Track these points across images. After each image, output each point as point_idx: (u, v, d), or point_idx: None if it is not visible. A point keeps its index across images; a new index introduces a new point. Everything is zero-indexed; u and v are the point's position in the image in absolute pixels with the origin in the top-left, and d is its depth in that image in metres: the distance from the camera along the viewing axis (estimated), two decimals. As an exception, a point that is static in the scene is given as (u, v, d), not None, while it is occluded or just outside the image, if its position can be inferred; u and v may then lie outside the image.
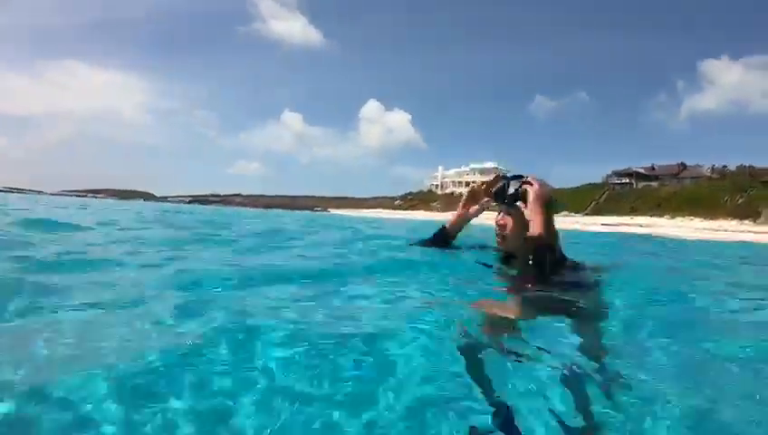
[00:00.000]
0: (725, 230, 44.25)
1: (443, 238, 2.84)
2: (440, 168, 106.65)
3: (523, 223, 2.42)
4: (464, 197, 2.81)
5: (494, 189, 2.54)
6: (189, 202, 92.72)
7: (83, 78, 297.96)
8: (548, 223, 2.31)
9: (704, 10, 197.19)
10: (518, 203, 2.51)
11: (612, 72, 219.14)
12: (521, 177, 2.47)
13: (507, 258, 2.56)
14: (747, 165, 68.22)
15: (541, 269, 2.19)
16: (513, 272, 2.44)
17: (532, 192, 2.35)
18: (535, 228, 2.26)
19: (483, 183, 2.70)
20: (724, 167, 70.68)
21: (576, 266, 2.47)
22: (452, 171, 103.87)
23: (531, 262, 2.18)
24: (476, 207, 2.78)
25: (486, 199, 2.70)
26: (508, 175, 2.55)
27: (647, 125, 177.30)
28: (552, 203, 2.38)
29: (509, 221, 2.49)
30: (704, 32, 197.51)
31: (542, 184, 2.41)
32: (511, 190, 2.43)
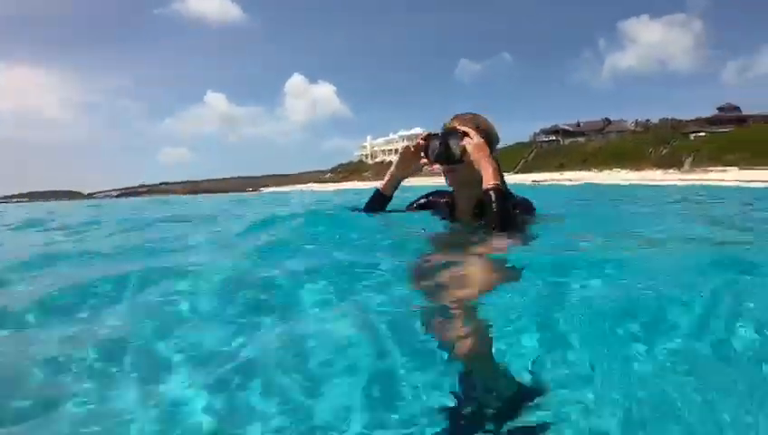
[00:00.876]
0: (652, 179, 44.21)
1: (380, 201, 2.57)
2: (368, 137, 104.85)
3: (474, 177, 2.16)
4: (395, 160, 2.50)
5: (432, 151, 2.28)
6: (117, 196, 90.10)
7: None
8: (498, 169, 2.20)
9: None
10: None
11: (534, 33, 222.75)
12: (455, 131, 2.21)
13: (453, 211, 2.40)
14: (669, 118, 69.77)
15: (507, 216, 2.09)
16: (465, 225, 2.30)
17: (472, 146, 2.16)
18: (489, 179, 2.10)
19: (415, 145, 2.40)
20: (648, 121, 72.29)
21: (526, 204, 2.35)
22: (381, 140, 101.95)
23: (496, 212, 2.06)
24: (410, 168, 2.48)
25: (424, 162, 2.38)
26: (439, 132, 2.27)
27: (571, 83, 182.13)
28: (493, 144, 2.28)
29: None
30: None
31: (480, 129, 2.23)
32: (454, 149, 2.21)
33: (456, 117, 2.31)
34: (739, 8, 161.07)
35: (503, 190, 2.11)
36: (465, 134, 2.17)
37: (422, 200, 2.58)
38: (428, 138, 2.30)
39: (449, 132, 2.21)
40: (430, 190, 2.58)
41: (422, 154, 2.34)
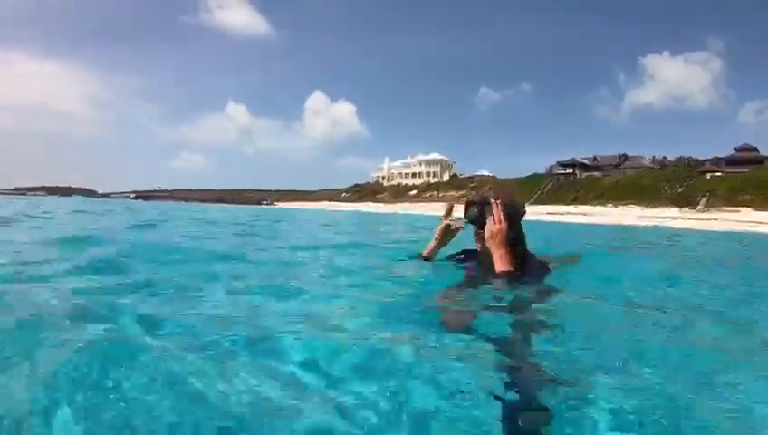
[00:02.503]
0: (665, 217, 44.57)
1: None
2: (386, 159, 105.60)
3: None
4: (435, 234, 2.97)
5: (470, 215, 2.69)
6: (135, 198, 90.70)
7: (18, 69, 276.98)
8: (513, 252, 2.51)
9: (646, 6, 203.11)
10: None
11: (555, 65, 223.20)
12: (489, 204, 2.58)
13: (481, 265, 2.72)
14: (686, 156, 69.94)
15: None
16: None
17: (488, 232, 2.51)
18: (498, 266, 2.45)
19: (452, 224, 2.88)
20: (664, 158, 72.47)
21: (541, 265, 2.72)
22: (398, 163, 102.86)
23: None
24: (447, 239, 2.97)
25: (460, 225, 2.85)
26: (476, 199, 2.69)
27: (589, 117, 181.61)
28: (519, 217, 2.65)
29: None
30: (645, 27, 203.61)
31: (508, 205, 2.57)
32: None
33: (490, 183, 2.99)
34: (760, 50, 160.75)
35: (512, 273, 2.43)
36: (504, 205, 2.54)
37: (460, 255, 2.99)
38: (468, 204, 2.70)
39: (485, 203, 2.59)
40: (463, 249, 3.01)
41: (458, 217, 2.80)
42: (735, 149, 66.34)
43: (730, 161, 64.02)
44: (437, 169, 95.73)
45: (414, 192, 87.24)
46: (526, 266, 2.58)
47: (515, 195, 2.72)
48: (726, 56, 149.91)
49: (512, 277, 2.41)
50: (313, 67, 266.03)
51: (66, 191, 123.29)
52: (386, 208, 62.49)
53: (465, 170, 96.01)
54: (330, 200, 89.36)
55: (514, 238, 2.56)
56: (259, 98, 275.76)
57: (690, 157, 69.71)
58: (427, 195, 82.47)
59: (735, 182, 55.72)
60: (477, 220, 2.63)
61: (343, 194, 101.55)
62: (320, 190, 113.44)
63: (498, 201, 2.54)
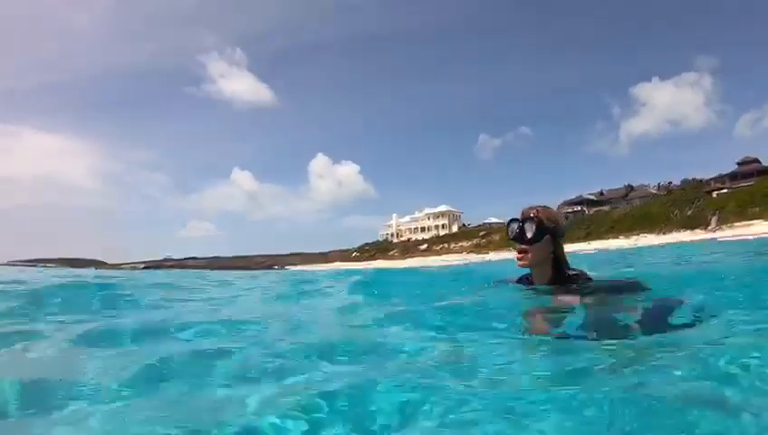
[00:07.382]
0: (681, 241, 44.36)
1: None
2: (394, 216, 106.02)
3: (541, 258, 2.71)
4: None
5: (511, 232, 2.73)
6: (144, 268, 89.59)
7: (27, 143, 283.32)
8: (555, 270, 2.74)
9: (628, 35, 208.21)
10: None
11: (548, 106, 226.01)
12: (530, 217, 2.69)
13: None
14: (691, 178, 70.11)
15: None
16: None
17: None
18: (539, 280, 2.76)
19: None
20: (669, 183, 72.57)
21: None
22: (406, 218, 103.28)
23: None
24: None
25: None
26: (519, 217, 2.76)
27: (590, 153, 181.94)
28: (555, 233, 2.71)
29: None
30: (630, 57, 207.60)
31: (549, 220, 2.71)
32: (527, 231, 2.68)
33: (535, 207, 2.73)
34: (747, 62, 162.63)
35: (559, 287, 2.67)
36: (540, 220, 2.63)
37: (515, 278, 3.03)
38: (510, 221, 2.74)
39: (525, 219, 2.65)
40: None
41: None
42: (738, 163, 66.30)
43: (734, 176, 64.01)
44: (446, 221, 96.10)
45: (425, 246, 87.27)
46: (570, 281, 2.67)
47: (559, 216, 2.83)
48: (715, 73, 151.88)
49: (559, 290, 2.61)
50: (314, 130, 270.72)
51: (79, 263, 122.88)
52: (399, 264, 62.37)
53: (472, 219, 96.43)
54: (342, 260, 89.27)
55: (556, 257, 2.68)
56: (264, 164, 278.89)
57: (694, 178, 69.84)
58: (438, 247, 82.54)
59: (743, 196, 55.30)
60: (518, 236, 2.65)
61: (354, 253, 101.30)
62: (330, 251, 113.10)
63: (538, 216, 2.65)
